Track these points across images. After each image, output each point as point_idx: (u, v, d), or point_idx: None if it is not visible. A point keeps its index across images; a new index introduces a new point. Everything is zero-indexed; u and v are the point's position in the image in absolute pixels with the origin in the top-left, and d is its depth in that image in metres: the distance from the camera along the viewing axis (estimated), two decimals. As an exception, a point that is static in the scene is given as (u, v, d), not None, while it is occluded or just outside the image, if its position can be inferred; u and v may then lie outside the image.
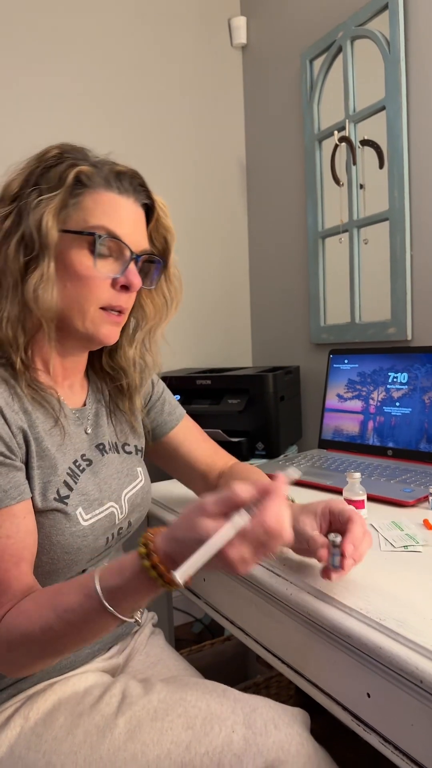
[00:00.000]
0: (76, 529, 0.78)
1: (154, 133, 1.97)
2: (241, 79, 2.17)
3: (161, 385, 1.05)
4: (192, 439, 1.05)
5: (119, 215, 0.79)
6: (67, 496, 0.78)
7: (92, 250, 0.77)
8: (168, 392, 1.06)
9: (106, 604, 0.62)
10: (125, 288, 0.80)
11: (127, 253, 0.80)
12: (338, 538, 0.68)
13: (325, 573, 0.70)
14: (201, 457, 1.05)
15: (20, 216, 0.75)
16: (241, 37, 2.10)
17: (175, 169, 2.02)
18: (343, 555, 0.68)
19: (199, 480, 1.06)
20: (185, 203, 2.03)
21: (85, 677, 0.82)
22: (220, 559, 0.58)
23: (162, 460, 1.07)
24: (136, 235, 0.81)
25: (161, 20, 1.97)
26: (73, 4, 1.79)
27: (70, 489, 0.79)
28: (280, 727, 0.72)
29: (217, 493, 0.60)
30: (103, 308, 0.80)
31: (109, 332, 0.82)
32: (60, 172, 0.76)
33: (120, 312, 0.82)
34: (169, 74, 2.00)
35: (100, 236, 0.76)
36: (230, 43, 2.13)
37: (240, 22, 2.09)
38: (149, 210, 0.86)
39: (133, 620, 0.65)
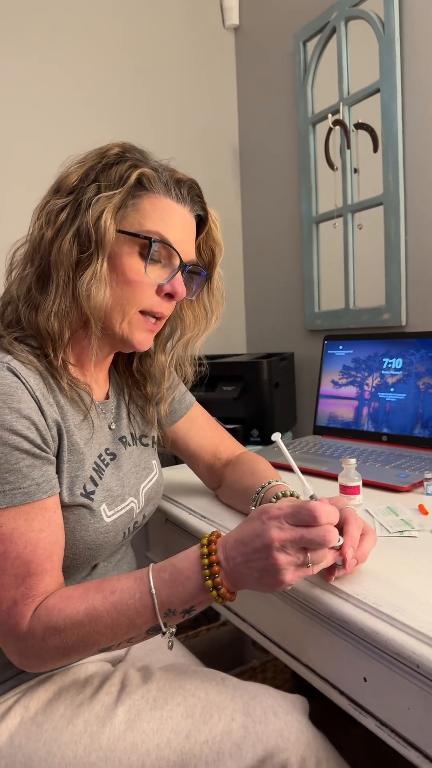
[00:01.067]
0: (99, 525, 0.78)
1: (145, 116, 1.94)
2: (234, 61, 2.14)
3: (173, 374, 1.05)
4: (198, 427, 1.05)
5: (174, 223, 0.78)
6: (93, 492, 0.78)
7: (144, 255, 0.76)
8: (178, 380, 1.06)
9: (151, 583, 0.65)
10: (169, 296, 0.80)
11: (177, 262, 0.79)
12: (339, 542, 0.68)
13: (327, 573, 0.70)
14: (207, 446, 1.05)
15: (77, 210, 0.74)
16: (233, 18, 2.07)
17: (166, 153, 1.99)
18: (343, 556, 0.68)
19: (205, 468, 1.07)
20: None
21: (86, 667, 0.82)
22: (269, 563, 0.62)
23: (171, 447, 1.07)
24: (186, 245, 0.80)
25: (152, 1, 1.93)
26: (62, -17, 1.76)
27: (96, 484, 0.78)
28: (279, 715, 0.73)
29: (295, 509, 0.63)
30: (142, 312, 0.79)
31: (143, 339, 0.81)
32: (122, 171, 0.75)
33: (157, 319, 0.81)
34: (160, 56, 1.97)
35: (154, 242, 0.76)
36: (222, 24, 2.10)
37: (232, 3, 2.06)
38: (201, 221, 0.85)
39: (164, 629, 0.66)
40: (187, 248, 0.80)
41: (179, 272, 0.79)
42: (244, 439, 1.64)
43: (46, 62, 1.74)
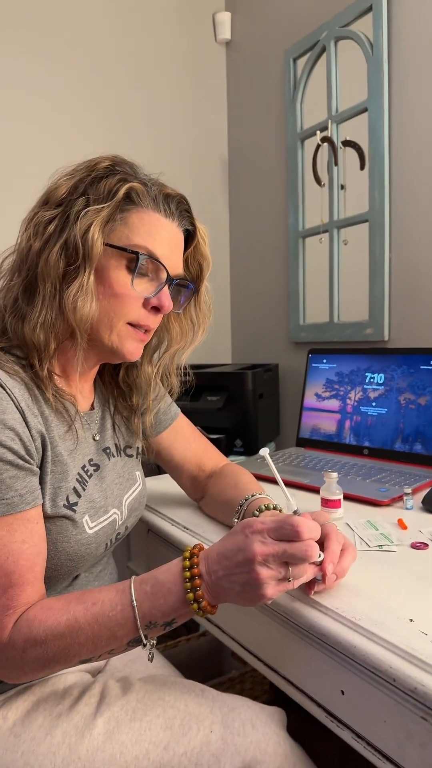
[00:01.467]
0: (81, 536, 0.78)
1: (136, 127, 1.95)
2: (225, 74, 2.16)
3: (159, 386, 1.05)
4: (183, 439, 1.06)
5: (162, 237, 0.79)
6: (76, 503, 0.78)
7: (131, 269, 0.77)
8: (163, 392, 1.06)
9: (133, 595, 0.65)
10: (155, 309, 0.80)
11: (164, 276, 0.80)
12: (320, 558, 0.69)
13: (307, 587, 0.71)
14: (191, 458, 1.05)
15: (65, 223, 0.75)
16: (225, 32, 2.10)
17: (156, 165, 2.00)
18: (323, 572, 0.69)
19: (189, 479, 1.07)
20: (167, 198, 2.02)
21: (65, 678, 0.82)
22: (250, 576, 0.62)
23: (155, 458, 1.07)
24: (173, 259, 0.81)
25: (145, 13, 1.95)
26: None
27: (79, 496, 0.79)
28: (258, 727, 0.73)
29: (278, 523, 0.64)
30: (130, 324, 0.80)
31: (133, 349, 0.81)
32: (111, 185, 0.76)
33: (146, 330, 0.82)
34: (152, 69, 1.98)
35: (141, 256, 0.76)
36: (214, 38, 2.13)
37: (224, 18, 2.09)
38: (189, 235, 0.86)
39: (145, 641, 0.67)
40: (174, 262, 0.81)
41: (166, 286, 0.80)
42: (228, 450, 1.65)
43: (37, 75, 1.75)
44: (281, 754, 0.73)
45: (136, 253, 0.76)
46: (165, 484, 1.15)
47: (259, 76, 2.00)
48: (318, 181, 1.71)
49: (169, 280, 0.80)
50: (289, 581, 0.64)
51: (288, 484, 1.20)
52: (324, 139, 1.67)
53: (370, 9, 1.51)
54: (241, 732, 0.72)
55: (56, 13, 1.77)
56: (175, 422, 1.05)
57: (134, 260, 0.76)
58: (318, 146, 1.69)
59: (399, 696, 0.59)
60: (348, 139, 1.62)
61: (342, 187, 1.66)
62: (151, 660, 0.69)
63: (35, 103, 1.74)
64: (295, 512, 0.71)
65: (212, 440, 1.60)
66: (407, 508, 1.02)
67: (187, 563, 0.67)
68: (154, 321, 0.82)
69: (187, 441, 1.06)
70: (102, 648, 0.67)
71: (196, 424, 1.58)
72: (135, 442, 0.96)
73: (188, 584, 0.65)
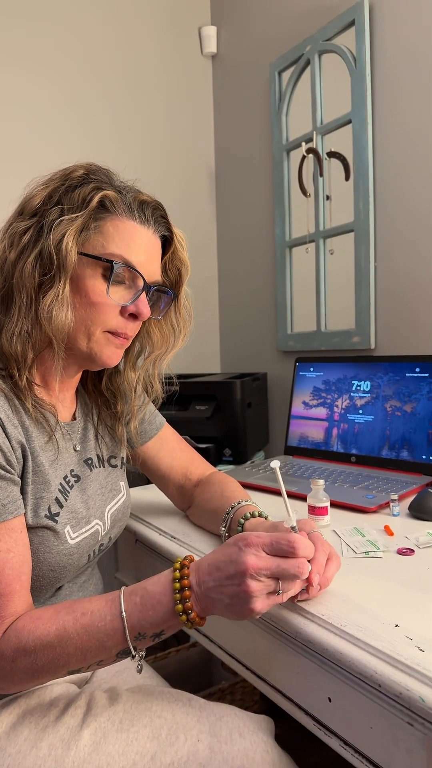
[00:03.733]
0: (63, 547, 0.77)
1: (122, 140, 1.97)
2: (211, 87, 2.19)
3: (142, 396, 1.05)
4: (169, 448, 1.06)
5: (138, 245, 0.79)
6: (57, 514, 0.78)
7: (107, 277, 0.77)
8: (148, 401, 1.07)
9: (122, 606, 0.65)
10: (133, 316, 0.81)
11: (140, 283, 0.80)
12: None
13: (291, 599, 0.71)
14: (178, 467, 1.05)
15: (40, 233, 0.75)
16: (211, 46, 2.12)
17: (143, 176, 2.01)
18: (309, 582, 0.69)
19: (175, 489, 1.07)
20: (154, 209, 2.03)
21: (51, 689, 0.81)
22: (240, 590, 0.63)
23: (141, 467, 1.07)
24: (150, 266, 0.81)
25: (132, 27, 1.97)
26: (42, 11, 1.78)
27: (61, 506, 0.78)
28: (245, 735, 0.73)
29: (275, 538, 0.65)
30: (108, 331, 0.80)
31: (112, 354, 0.82)
32: (85, 193, 0.75)
33: (125, 337, 0.82)
34: (139, 81, 2.00)
35: (116, 264, 0.76)
36: (200, 51, 2.15)
37: (210, 32, 2.11)
38: (167, 241, 0.86)
39: (134, 653, 0.67)
40: (151, 269, 0.81)
41: (143, 293, 0.80)
42: (217, 459, 1.65)
43: (24, 87, 1.76)
44: (269, 762, 0.72)
45: (111, 261, 0.76)
46: (152, 493, 1.14)
47: (244, 89, 2.02)
48: (304, 191, 1.73)
49: (146, 287, 0.80)
50: (279, 594, 0.65)
51: (276, 493, 1.21)
52: (309, 151, 1.69)
53: (353, 23, 1.54)
54: (229, 740, 0.72)
55: (43, 26, 1.78)
56: (161, 431, 1.05)
57: (109, 269, 0.76)
58: (303, 157, 1.71)
59: (385, 701, 0.59)
60: (333, 150, 1.64)
61: (327, 197, 1.68)
62: (139, 671, 0.68)
63: (21, 115, 1.75)
64: (292, 528, 0.71)
65: (201, 449, 1.61)
66: (394, 515, 1.03)
67: (177, 574, 0.67)
68: (132, 328, 0.82)
69: (173, 450, 1.06)
70: (91, 658, 0.67)
71: (184, 434, 1.59)
72: (119, 452, 0.96)
73: (178, 595, 0.65)
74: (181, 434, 1.40)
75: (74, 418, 0.89)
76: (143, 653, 0.68)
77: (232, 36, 2.07)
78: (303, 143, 1.71)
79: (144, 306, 0.80)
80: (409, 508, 1.03)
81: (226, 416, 1.64)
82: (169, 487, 1.08)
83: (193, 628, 0.66)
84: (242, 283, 2.11)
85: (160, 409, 1.67)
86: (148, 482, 1.36)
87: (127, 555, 1.18)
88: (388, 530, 0.94)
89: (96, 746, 0.71)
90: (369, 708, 0.62)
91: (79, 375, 0.90)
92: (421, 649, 0.60)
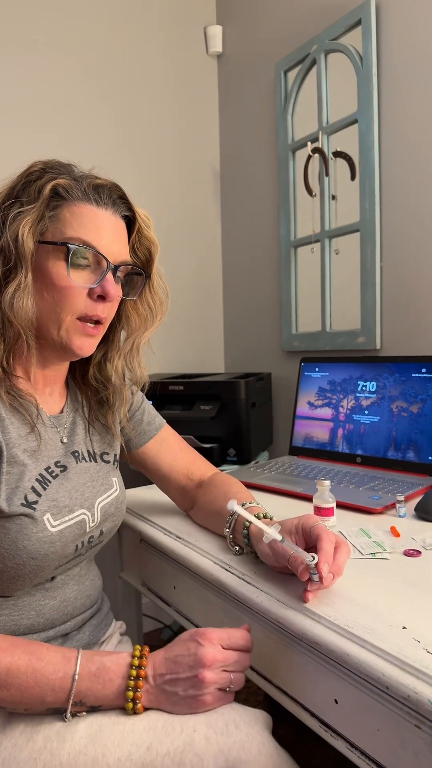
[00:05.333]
0: (43, 534, 0.78)
1: (128, 140, 1.97)
2: (216, 87, 2.18)
3: (140, 396, 1.05)
4: (169, 449, 1.05)
5: (96, 227, 0.79)
6: (36, 502, 0.78)
7: (67, 261, 0.78)
8: (147, 403, 1.06)
9: (78, 668, 0.69)
10: (102, 298, 0.81)
11: (104, 264, 0.80)
12: (314, 561, 0.70)
13: (304, 591, 0.72)
14: (179, 468, 1.05)
15: (2, 228, 0.77)
16: (216, 45, 2.12)
17: (149, 176, 2.02)
18: (319, 572, 0.70)
19: (177, 490, 1.07)
20: (159, 211, 2.03)
21: None
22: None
23: (141, 469, 1.07)
24: (114, 246, 0.81)
25: (137, 27, 1.97)
26: (48, 11, 1.78)
27: (39, 495, 0.79)
28: (242, 727, 0.73)
29: (223, 632, 0.72)
30: (80, 318, 0.81)
31: (82, 344, 0.82)
32: (39, 185, 0.78)
33: (97, 322, 0.82)
34: (144, 81, 2.00)
35: (73, 247, 0.77)
36: (206, 51, 2.15)
37: (216, 31, 2.11)
38: (131, 222, 0.86)
39: (67, 715, 0.70)
40: (115, 249, 0.81)
41: (110, 273, 0.81)
42: (221, 459, 1.65)
43: (29, 86, 1.76)
44: (266, 754, 0.72)
45: (65, 243, 0.77)
46: (157, 493, 1.14)
47: (250, 89, 2.02)
48: (309, 191, 1.73)
49: (110, 267, 0.81)
50: (228, 690, 0.71)
51: (281, 493, 1.20)
52: (315, 150, 1.69)
53: (359, 23, 1.54)
54: (225, 732, 0.71)
55: (48, 26, 1.78)
56: (160, 432, 1.05)
57: (67, 252, 0.78)
58: (309, 157, 1.71)
59: (392, 704, 0.59)
60: (339, 150, 1.63)
61: (333, 197, 1.67)
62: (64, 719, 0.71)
63: (25, 113, 1.75)
64: (313, 560, 0.71)
65: (205, 449, 1.61)
66: (400, 516, 1.02)
67: (136, 662, 0.71)
68: (103, 310, 0.82)
69: (173, 451, 1.06)
70: (24, 702, 0.70)
71: (188, 433, 1.59)
72: (113, 449, 0.96)
73: (132, 682, 0.70)
74: (185, 434, 1.40)
75: (62, 411, 0.90)
76: (70, 718, 0.71)
77: (238, 35, 2.07)
78: (309, 143, 1.70)
79: (111, 286, 0.81)
80: (415, 510, 1.03)
81: (230, 416, 1.63)
82: (171, 488, 1.07)
83: (132, 713, 0.70)
84: (247, 283, 2.10)
85: (164, 410, 1.67)
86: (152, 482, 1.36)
87: (131, 555, 1.18)
88: (394, 531, 0.94)
89: (92, 738, 0.70)
90: (376, 710, 0.61)
91: (64, 367, 0.90)
92: (429, 652, 0.60)
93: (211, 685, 0.69)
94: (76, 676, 0.69)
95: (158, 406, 1.67)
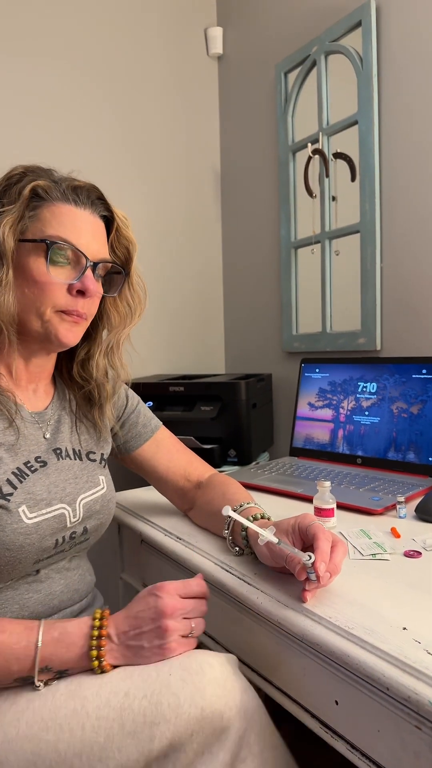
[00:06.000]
0: (18, 526, 0.78)
1: (128, 141, 1.97)
2: (217, 88, 2.19)
3: (136, 398, 1.06)
4: (166, 450, 1.06)
5: (75, 226, 0.82)
6: (11, 494, 0.79)
7: (47, 257, 0.80)
8: (142, 405, 1.07)
9: (40, 635, 0.71)
10: (81, 293, 0.83)
11: (83, 261, 0.83)
12: (310, 560, 0.70)
13: (303, 591, 0.73)
14: (176, 469, 1.05)
15: None
16: (217, 47, 2.12)
17: (149, 178, 2.02)
18: (316, 571, 0.70)
19: (175, 491, 1.07)
20: (159, 212, 2.03)
21: None
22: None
23: (138, 471, 1.07)
24: (93, 245, 0.84)
25: (137, 29, 1.97)
26: (48, 11, 1.78)
27: (14, 488, 0.80)
28: (215, 666, 0.74)
29: (179, 582, 0.77)
30: (61, 312, 0.83)
31: (67, 332, 0.84)
32: (20, 187, 0.81)
33: (78, 315, 0.84)
34: (144, 82, 2.00)
35: (53, 243, 0.80)
36: (206, 52, 2.15)
37: (216, 33, 2.11)
38: (110, 222, 0.89)
39: (36, 683, 0.72)
40: (94, 248, 0.84)
41: (88, 270, 0.83)
42: (221, 460, 1.65)
43: (28, 88, 1.76)
44: (239, 688, 0.74)
45: (45, 240, 0.80)
46: (157, 494, 1.14)
47: (250, 90, 2.02)
48: (310, 192, 1.73)
49: (89, 263, 0.83)
50: (190, 636, 0.75)
51: (281, 494, 1.20)
52: (315, 152, 1.69)
53: (359, 24, 1.54)
54: (199, 671, 0.73)
55: (48, 28, 1.78)
56: (157, 434, 1.05)
57: (46, 249, 0.80)
58: (309, 158, 1.71)
59: (393, 705, 0.59)
60: (339, 151, 1.63)
61: (333, 198, 1.67)
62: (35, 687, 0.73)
63: (24, 114, 1.75)
64: (310, 558, 0.71)
65: (205, 450, 1.61)
66: (400, 517, 1.02)
67: (97, 623, 0.74)
68: (83, 305, 0.85)
69: (170, 452, 1.06)
70: None
71: (189, 434, 1.59)
72: (100, 449, 0.97)
73: (94, 642, 0.73)
74: (185, 435, 1.40)
75: (47, 408, 0.91)
76: (41, 684, 0.72)
77: (238, 37, 2.07)
78: (309, 144, 1.70)
79: (90, 282, 0.83)
80: (415, 511, 1.03)
81: (230, 417, 1.63)
82: (169, 490, 1.08)
83: (99, 672, 0.73)
84: (247, 284, 2.10)
85: (164, 410, 1.67)
86: (153, 483, 1.36)
87: (132, 556, 1.18)
88: (394, 532, 0.94)
89: (71, 693, 0.72)
90: (376, 711, 0.61)
91: (50, 363, 0.92)
92: (429, 653, 0.60)
93: (175, 632, 0.73)
94: (39, 643, 0.71)
95: (158, 407, 1.68)
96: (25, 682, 0.72)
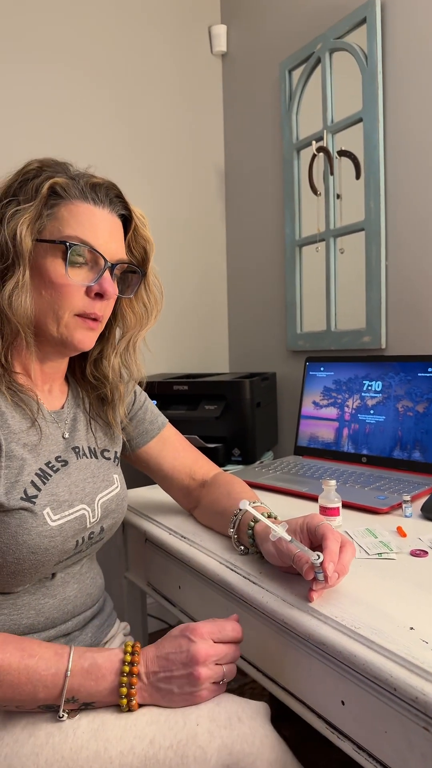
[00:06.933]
0: (43, 528, 0.77)
1: (132, 139, 1.96)
2: (221, 86, 2.18)
3: (143, 395, 1.05)
4: (172, 448, 1.05)
5: (93, 225, 0.80)
6: (35, 496, 0.78)
7: (65, 259, 0.78)
8: (150, 402, 1.06)
9: (69, 665, 0.69)
10: (99, 296, 0.82)
11: (102, 262, 0.81)
12: (319, 560, 0.69)
13: (309, 591, 0.72)
14: (181, 467, 1.05)
15: None
16: (221, 44, 2.11)
17: (153, 176, 2.02)
18: (324, 572, 0.69)
19: (179, 489, 1.07)
20: (163, 211, 2.03)
21: None
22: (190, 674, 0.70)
23: (144, 468, 1.07)
24: (111, 245, 0.82)
25: (141, 27, 1.97)
26: (52, 10, 1.78)
27: (38, 489, 0.79)
28: (244, 720, 0.73)
29: (219, 627, 0.73)
30: (78, 315, 0.81)
31: (83, 337, 0.83)
32: (37, 184, 0.78)
33: (95, 319, 0.83)
34: (148, 80, 2.00)
35: (72, 245, 0.78)
36: (210, 50, 2.15)
37: (220, 30, 2.11)
38: (128, 221, 0.87)
39: (61, 712, 0.70)
40: (112, 248, 0.82)
41: (106, 272, 0.81)
42: (226, 459, 1.64)
43: (33, 86, 1.76)
44: (268, 745, 0.72)
45: (65, 242, 0.78)
46: (161, 492, 1.14)
47: (254, 88, 2.01)
48: (314, 190, 1.72)
49: (108, 265, 0.81)
50: (221, 683, 0.72)
51: (286, 493, 1.20)
52: (320, 149, 1.68)
53: (364, 21, 1.53)
54: (228, 725, 0.71)
55: (53, 26, 1.78)
56: (163, 431, 1.05)
57: (65, 250, 0.78)
58: (314, 156, 1.70)
59: (400, 706, 0.58)
60: (343, 149, 1.63)
61: (338, 196, 1.67)
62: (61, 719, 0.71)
63: (28, 112, 1.75)
64: (318, 558, 0.70)
65: (210, 449, 1.60)
66: (406, 516, 1.02)
67: (129, 658, 0.71)
68: (100, 308, 0.83)
69: (176, 450, 1.06)
70: (16, 700, 0.69)
71: (193, 433, 1.58)
72: (113, 447, 0.96)
73: (125, 679, 0.70)
74: (189, 434, 1.39)
75: (63, 407, 0.90)
76: (65, 715, 0.71)
77: (242, 35, 2.06)
78: (313, 142, 1.70)
79: (108, 284, 0.81)
80: (421, 510, 1.02)
81: (235, 416, 1.63)
82: (174, 488, 1.07)
83: (127, 711, 0.71)
84: (252, 283, 2.10)
85: (169, 409, 1.67)
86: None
87: (137, 555, 1.18)
88: (400, 531, 0.93)
89: (94, 733, 0.70)
90: (383, 712, 0.61)
91: (63, 364, 0.91)
92: (436, 653, 0.59)
93: (207, 681, 0.70)
94: (69, 672, 0.69)
95: (163, 406, 1.67)
96: (48, 710, 0.71)
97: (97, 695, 0.70)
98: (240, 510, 0.89)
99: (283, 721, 0.82)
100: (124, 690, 0.69)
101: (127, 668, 0.70)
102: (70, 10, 1.81)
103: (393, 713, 0.59)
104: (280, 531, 0.73)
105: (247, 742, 0.70)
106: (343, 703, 0.66)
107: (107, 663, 0.71)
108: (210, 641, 0.71)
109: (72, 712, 0.71)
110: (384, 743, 0.61)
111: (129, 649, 0.72)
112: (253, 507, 0.90)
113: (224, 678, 0.72)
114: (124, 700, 0.69)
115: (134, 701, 0.70)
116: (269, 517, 0.87)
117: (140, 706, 0.71)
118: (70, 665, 0.69)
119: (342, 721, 0.67)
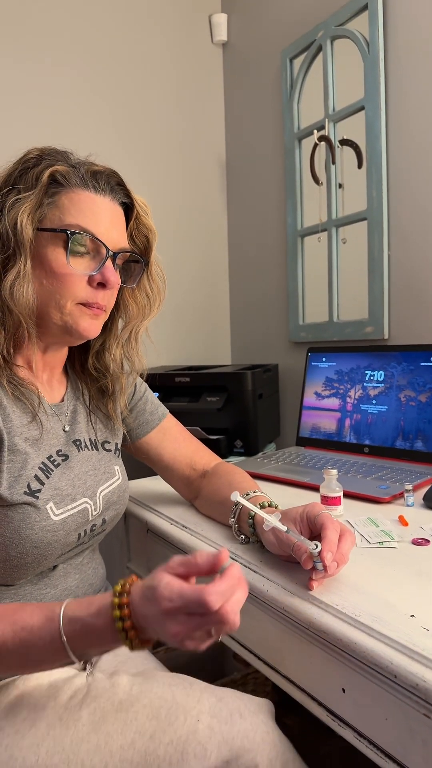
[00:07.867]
0: (46, 523, 0.77)
1: (132, 129, 1.95)
2: (222, 76, 2.16)
3: (144, 386, 1.05)
4: (172, 438, 1.05)
5: (95, 213, 0.79)
6: (39, 490, 0.78)
7: (66, 248, 0.77)
8: (150, 392, 1.06)
9: (62, 631, 0.62)
10: (102, 285, 0.81)
11: (104, 251, 0.80)
12: (317, 549, 0.69)
13: (309, 580, 0.72)
14: (182, 457, 1.05)
15: (0, 215, 0.76)
16: (221, 34, 2.10)
17: (154, 166, 2.01)
18: (323, 561, 0.69)
19: (180, 480, 1.07)
20: (164, 201, 2.02)
21: (49, 672, 0.81)
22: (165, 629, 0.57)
23: (144, 459, 1.07)
24: (113, 233, 0.81)
25: (141, 16, 1.95)
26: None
27: (42, 483, 0.79)
28: (246, 716, 0.73)
29: (185, 601, 0.57)
30: (81, 304, 0.80)
31: (88, 325, 0.82)
32: (37, 172, 0.77)
33: (99, 308, 0.82)
34: (148, 70, 1.99)
35: (73, 234, 0.77)
36: (211, 39, 2.13)
37: (221, 19, 2.09)
38: (129, 209, 0.86)
39: (78, 663, 0.67)
40: (114, 236, 0.81)
41: (108, 260, 0.80)
42: (228, 450, 1.64)
43: (32, 77, 1.75)
44: (269, 742, 0.72)
45: (66, 231, 0.77)
46: (162, 483, 1.14)
47: (255, 77, 2.00)
48: (316, 180, 1.71)
49: (110, 254, 0.80)
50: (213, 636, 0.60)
51: (288, 483, 1.20)
52: (321, 138, 1.67)
53: (365, 8, 1.51)
54: (229, 721, 0.71)
55: (52, 15, 1.77)
56: (163, 422, 1.05)
57: (66, 239, 0.77)
58: (315, 145, 1.69)
59: (401, 693, 0.58)
60: (345, 137, 1.61)
61: (340, 185, 1.65)
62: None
63: (29, 103, 1.74)
64: (317, 547, 0.70)
65: (212, 441, 1.60)
66: (408, 505, 1.02)
67: (117, 601, 0.61)
68: (103, 297, 0.82)
69: (176, 441, 1.06)
70: (33, 668, 0.67)
71: (195, 425, 1.58)
72: (114, 438, 0.96)
73: (120, 624, 0.60)
74: (191, 425, 1.39)
75: (63, 400, 0.90)
76: (91, 664, 0.68)
77: (243, 23, 2.04)
78: (315, 131, 1.68)
79: (111, 273, 0.80)
80: (423, 499, 1.02)
81: (237, 407, 1.63)
82: (174, 478, 1.07)
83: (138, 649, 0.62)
84: (253, 273, 2.09)
85: (171, 401, 1.66)
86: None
87: (138, 545, 1.18)
88: (402, 520, 0.93)
89: (95, 726, 0.70)
90: (384, 699, 0.61)
91: (65, 353, 0.90)
92: (437, 640, 0.59)
93: (193, 647, 0.59)
94: (64, 638, 0.62)
95: (165, 398, 1.67)
96: (66, 664, 0.65)
97: (107, 644, 0.62)
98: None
99: (285, 709, 0.82)
100: (123, 635, 0.60)
101: (118, 612, 0.60)
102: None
103: (394, 700, 0.59)
104: (273, 520, 0.73)
105: (247, 738, 0.70)
106: (343, 690, 0.66)
107: (98, 620, 0.62)
108: (178, 617, 0.57)
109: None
110: (385, 730, 0.61)
111: (118, 588, 0.63)
112: (253, 495, 0.90)
113: (214, 634, 0.60)
114: (129, 643, 0.60)
115: (136, 641, 0.60)
116: (269, 506, 0.87)
117: (147, 641, 0.62)
118: (62, 631, 0.62)
119: (343, 708, 0.67)
